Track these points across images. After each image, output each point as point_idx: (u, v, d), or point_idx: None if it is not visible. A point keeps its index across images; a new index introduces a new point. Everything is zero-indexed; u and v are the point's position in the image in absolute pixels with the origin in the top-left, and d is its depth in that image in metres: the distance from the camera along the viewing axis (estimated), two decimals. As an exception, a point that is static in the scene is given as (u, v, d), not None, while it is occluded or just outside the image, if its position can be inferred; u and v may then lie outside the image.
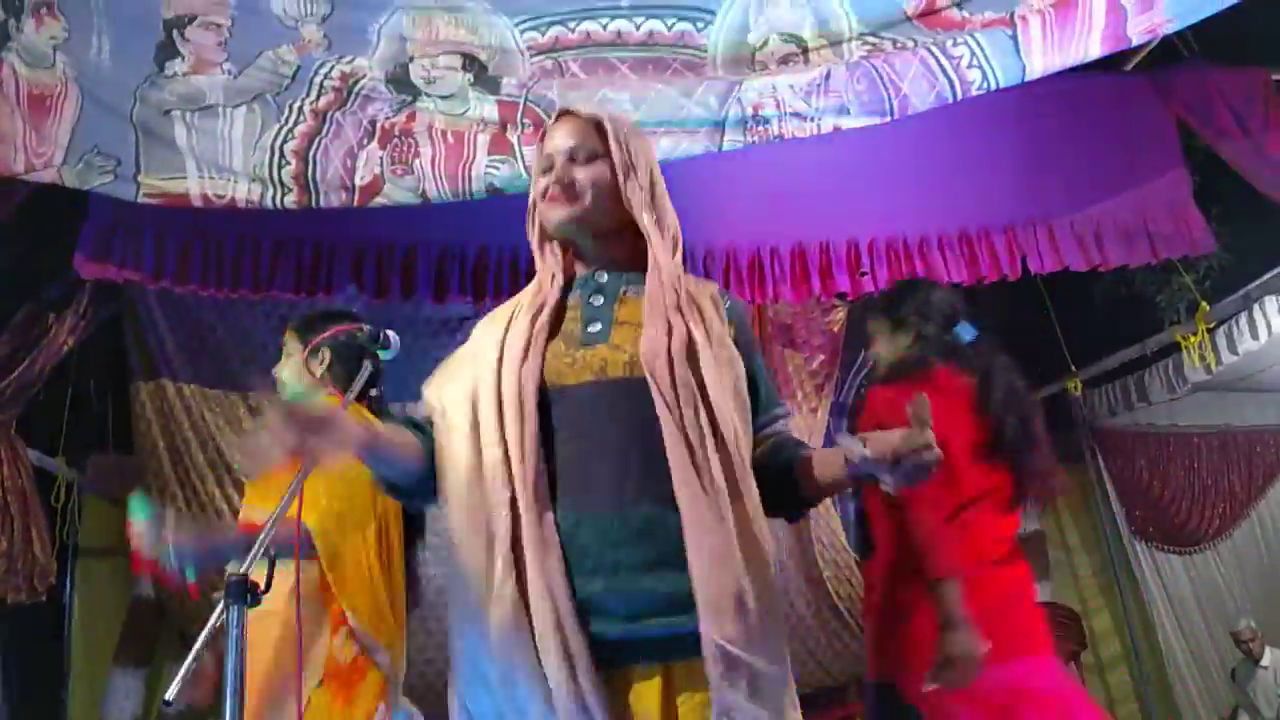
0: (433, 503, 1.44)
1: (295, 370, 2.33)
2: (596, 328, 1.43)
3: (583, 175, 1.45)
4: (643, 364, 1.35)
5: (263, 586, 1.37)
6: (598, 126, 1.49)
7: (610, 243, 1.50)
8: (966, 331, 2.33)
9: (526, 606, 1.25)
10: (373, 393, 2.31)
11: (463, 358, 1.49)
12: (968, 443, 2.17)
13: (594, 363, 1.39)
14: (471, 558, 1.31)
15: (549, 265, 1.51)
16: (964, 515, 2.14)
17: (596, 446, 1.35)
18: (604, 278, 1.49)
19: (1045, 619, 2.39)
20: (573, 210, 1.45)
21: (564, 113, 1.53)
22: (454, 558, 1.35)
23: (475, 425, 1.37)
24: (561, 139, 1.49)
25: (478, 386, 1.40)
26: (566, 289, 1.50)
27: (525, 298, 1.50)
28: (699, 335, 1.38)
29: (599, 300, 1.46)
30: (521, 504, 1.30)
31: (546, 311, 1.44)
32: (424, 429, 1.45)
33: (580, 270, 1.52)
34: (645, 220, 1.45)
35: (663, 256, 1.44)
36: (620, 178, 1.45)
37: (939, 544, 2.06)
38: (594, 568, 1.27)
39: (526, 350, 1.39)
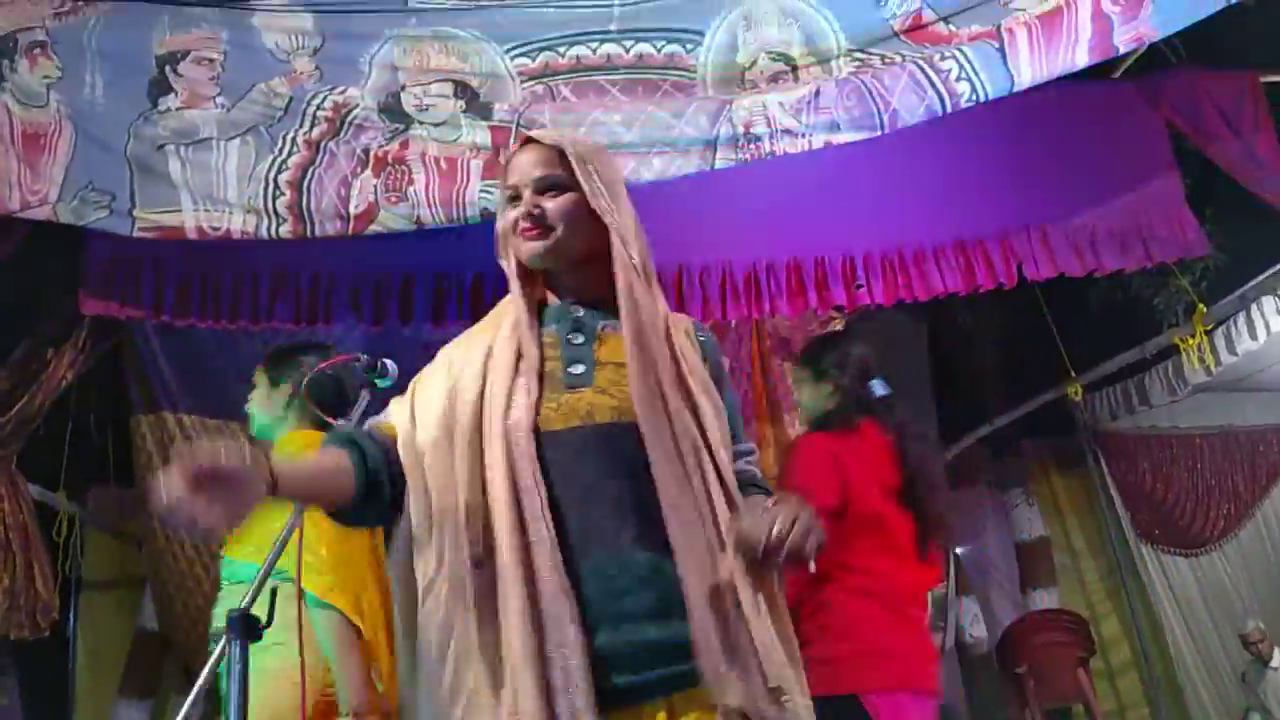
0: (379, 522, 1.44)
1: (261, 403, 2.35)
2: (579, 370, 1.40)
3: (552, 206, 1.43)
4: (636, 411, 1.34)
5: (264, 621, 1.38)
6: (561, 154, 1.46)
7: (582, 272, 1.48)
8: (879, 387, 2.46)
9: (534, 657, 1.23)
10: (340, 422, 2.32)
11: (434, 383, 1.44)
12: (893, 490, 2.32)
13: (580, 407, 1.37)
14: (442, 603, 1.30)
15: (520, 295, 1.48)
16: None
17: (590, 494, 1.33)
18: (580, 312, 1.47)
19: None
20: (546, 243, 1.43)
21: (526, 140, 1.51)
22: (405, 595, 1.36)
23: (451, 467, 1.34)
24: (527, 169, 1.46)
25: (455, 425, 1.36)
26: (540, 319, 1.48)
27: (501, 329, 1.45)
28: (689, 378, 1.39)
29: (579, 339, 1.44)
30: (509, 554, 1.27)
31: (530, 358, 1.40)
32: (362, 442, 1.39)
33: (552, 299, 1.50)
34: (617, 249, 1.42)
35: (639, 288, 1.42)
36: (592, 202, 1.43)
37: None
38: (597, 619, 1.26)
39: (509, 397, 1.36)
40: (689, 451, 1.32)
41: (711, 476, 1.32)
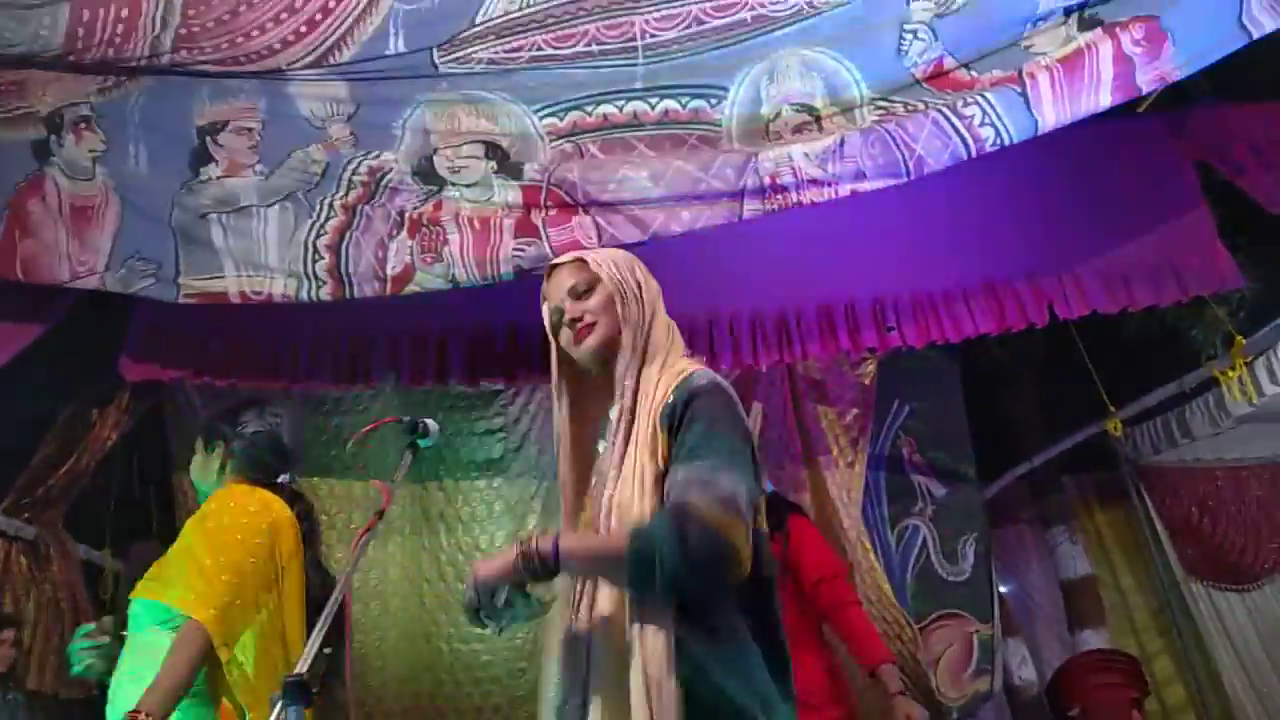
0: None
1: (198, 471, 2.39)
2: (593, 481, 1.61)
3: (591, 304, 1.62)
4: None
5: (316, 687, 1.41)
6: (583, 263, 1.66)
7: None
8: None
9: None
10: (282, 479, 2.37)
11: None
12: None
13: (589, 519, 1.58)
14: None
15: (575, 426, 1.69)
16: None
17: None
18: (614, 412, 1.62)
19: None
20: (597, 336, 1.61)
21: (552, 268, 1.71)
22: None
23: None
24: (560, 287, 1.66)
25: None
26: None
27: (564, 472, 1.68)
28: (630, 482, 1.49)
29: (603, 445, 1.63)
30: None
31: (569, 491, 1.64)
32: None
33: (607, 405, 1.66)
34: (625, 329, 1.60)
35: (623, 361, 1.58)
36: (617, 296, 1.62)
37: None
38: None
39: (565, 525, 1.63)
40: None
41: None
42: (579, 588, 1.51)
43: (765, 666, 1.39)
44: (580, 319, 1.61)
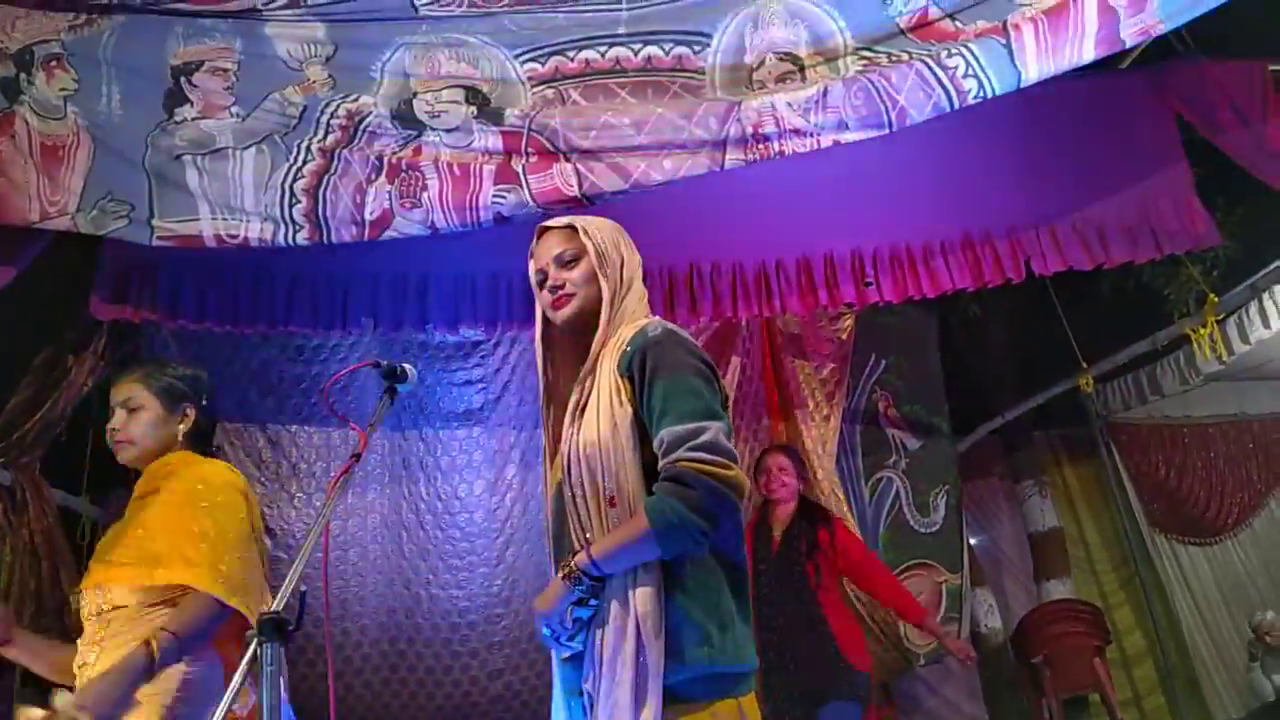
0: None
1: (151, 425, 2.27)
2: (564, 431, 1.68)
3: (573, 275, 1.72)
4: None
5: (293, 625, 1.42)
6: (572, 230, 1.75)
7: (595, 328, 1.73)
8: None
9: None
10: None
11: None
12: None
13: (556, 468, 1.68)
14: None
15: (554, 375, 1.79)
16: None
17: (553, 549, 1.67)
18: (581, 372, 1.70)
19: None
20: (572, 307, 1.71)
21: (543, 230, 1.79)
22: None
23: None
24: (547, 252, 1.75)
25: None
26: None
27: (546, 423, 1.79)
28: (594, 421, 1.61)
29: (571, 402, 1.68)
30: None
31: (549, 436, 1.75)
32: None
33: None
34: (605, 298, 1.70)
35: (605, 325, 1.68)
36: (597, 268, 1.71)
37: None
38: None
39: (545, 475, 1.75)
40: (581, 498, 1.59)
41: (598, 514, 1.56)
42: (574, 534, 1.59)
43: (728, 589, 1.55)
44: (561, 287, 1.71)
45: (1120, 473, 6.22)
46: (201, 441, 2.32)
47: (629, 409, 1.57)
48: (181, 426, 2.27)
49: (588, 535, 1.56)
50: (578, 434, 1.60)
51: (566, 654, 1.58)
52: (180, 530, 2.07)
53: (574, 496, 1.58)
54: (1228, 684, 5.98)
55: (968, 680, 6.03)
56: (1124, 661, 6.19)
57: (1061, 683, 5.62)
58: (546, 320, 1.78)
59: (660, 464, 1.53)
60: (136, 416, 2.25)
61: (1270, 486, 6.11)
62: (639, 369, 1.59)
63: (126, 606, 2.07)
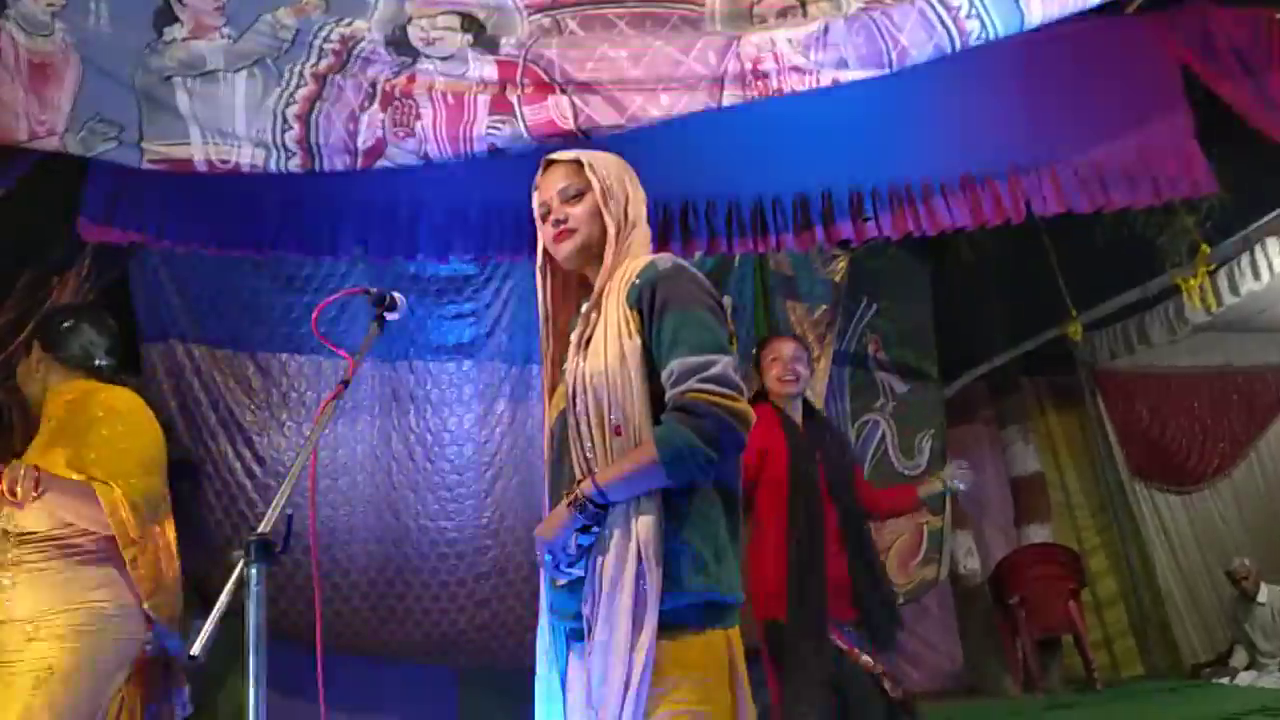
0: None
1: (22, 374, 2.49)
2: (566, 363, 1.69)
3: (576, 211, 1.71)
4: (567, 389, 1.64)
5: (280, 546, 1.44)
6: (578, 165, 1.73)
7: (599, 263, 1.72)
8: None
9: None
10: (99, 363, 2.44)
11: None
12: None
13: (558, 397, 1.70)
14: None
15: (556, 308, 1.80)
16: None
17: (553, 476, 1.68)
18: (585, 306, 1.71)
19: None
20: (574, 242, 1.70)
21: (549, 162, 1.77)
22: None
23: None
24: (552, 185, 1.74)
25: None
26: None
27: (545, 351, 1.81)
28: (600, 352, 1.61)
29: (575, 333, 1.69)
30: None
31: (549, 370, 1.78)
32: None
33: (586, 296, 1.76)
34: (610, 234, 1.69)
35: (605, 259, 1.69)
36: (600, 203, 1.70)
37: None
38: (546, 579, 1.66)
39: (544, 401, 1.78)
40: (585, 422, 1.59)
41: (602, 442, 1.57)
42: (577, 462, 1.60)
43: (724, 520, 1.57)
44: (564, 222, 1.70)
45: (1104, 420, 6.30)
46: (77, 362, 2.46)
47: (637, 340, 1.58)
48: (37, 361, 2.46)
49: (592, 464, 1.56)
50: (584, 363, 1.60)
51: (564, 580, 1.59)
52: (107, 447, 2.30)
53: (578, 425, 1.59)
54: (1199, 628, 6.13)
55: (944, 619, 6.18)
56: (1096, 604, 6.34)
57: (1036, 624, 5.77)
58: (546, 252, 1.78)
59: (669, 394, 1.54)
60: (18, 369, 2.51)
61: (1252, 437, 6.20)
62: (648, 302, 1.59)
63: None
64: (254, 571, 1.39)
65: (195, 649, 1.35)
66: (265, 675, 1.36)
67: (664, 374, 1.55)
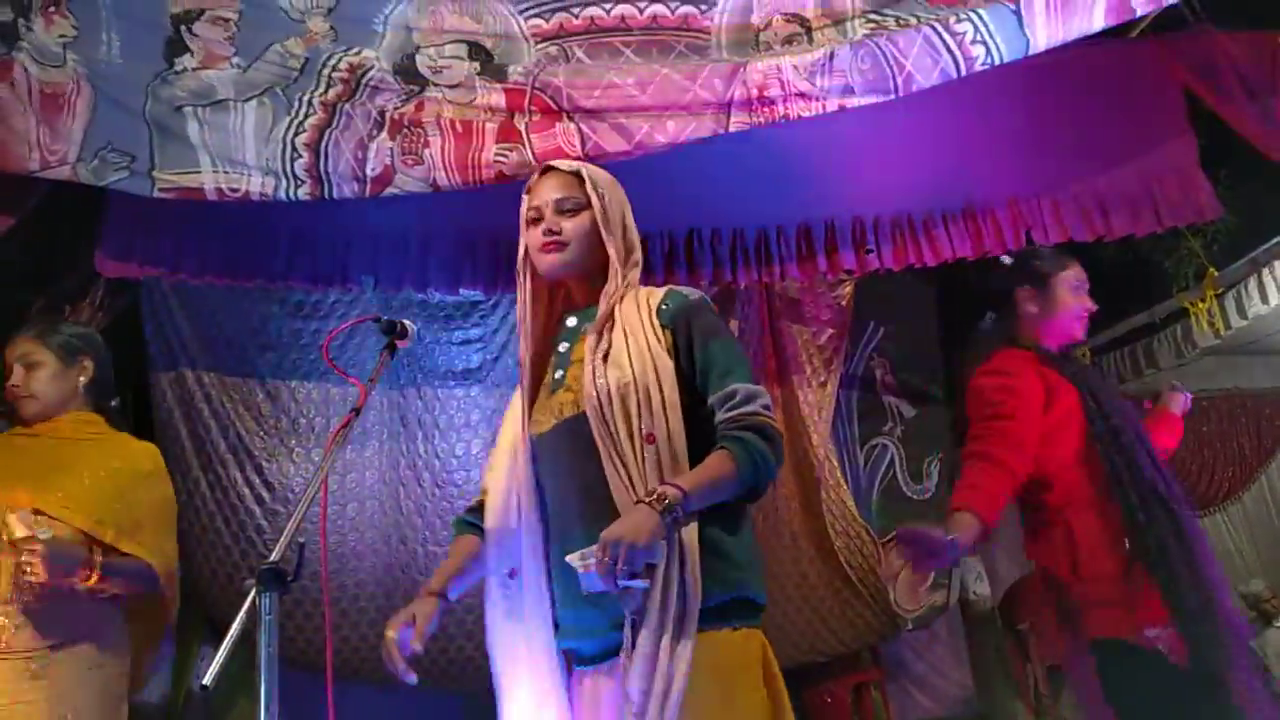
0: None
1: (49, 380, 2.50)
2: (559, 374, 1.67)
3: (569, 225, 1.68)
4: (584, 398, 1.60)
5: (291, 575, 1.44)
6: (578, 178, 1.71)
7: (589, 283, 1.72)
8: None
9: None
10: (112, 403, 2.54)
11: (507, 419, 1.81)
12: None
13: (555, 407, 1.66)
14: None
15: (533, 311, 1.75)
16: None
17: (563, 483, 1.64)
18: (572, 321, 1.72)
19: None
20: (562, 257, 1.68)
21: (547, 168, 1.76)
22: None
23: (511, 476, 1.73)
24: (548, 192, 1.71)
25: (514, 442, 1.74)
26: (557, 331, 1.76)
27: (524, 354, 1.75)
28: (628, 357, 1.60)
29: (565, 346, 1.69)
30: (524, 544, 1.65)
31: (527, 374, 1.72)
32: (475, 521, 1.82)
33: (568, 311, 1.76)
34: (613, 258, 1.68)
35: (612, 283, 1.67)
36: (600, 224, 1.67)
37: None
38: (561, 598, 1.63)
39: (523, 410, 1.71)
40: (623, 428, 1.56)
41: (641, 446, 1.56)
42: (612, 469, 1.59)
43: (751, 530, 1.64)
44: (557, 233, 1.68)
45: (1113, 444, 6.24)
46: (107, 396, 2.47)
47: (669, 360, 1.60)
48: (74, 381, 2.45)
49: (628, 471, 1.55)
50: (605, 374, 1.60)
51: (607, 591, 1.47)
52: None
53: (607, 434, 1.57)
54: (1210, 653, 6.05)
55: (954, 645, 6.12)
56: (1109, 630, 6.26)
57: (1047, 651, 5.69)
58: (526, 254, 1.77)
59: (732, 414, 1.57)
60: (35, 373, 2.44)
61: (1262, 461, 6.15)
62: (684, 325, 1.63)
63: None
64: (266, 600, 1.39)
65: (206, 678, 1.35)
66: (277, 704, 1.35)
67: (719, 394, 1.59)
